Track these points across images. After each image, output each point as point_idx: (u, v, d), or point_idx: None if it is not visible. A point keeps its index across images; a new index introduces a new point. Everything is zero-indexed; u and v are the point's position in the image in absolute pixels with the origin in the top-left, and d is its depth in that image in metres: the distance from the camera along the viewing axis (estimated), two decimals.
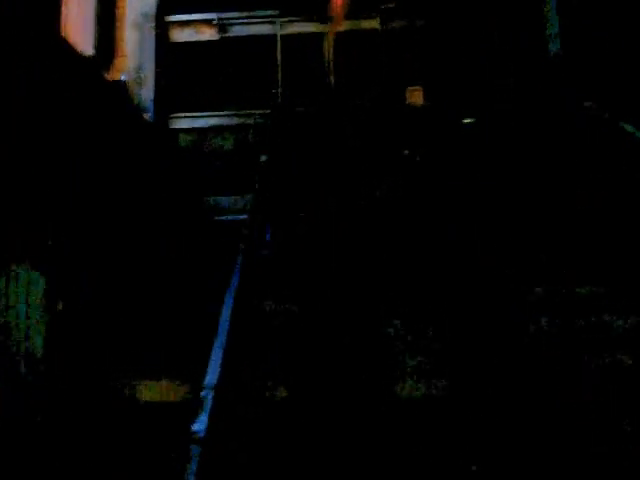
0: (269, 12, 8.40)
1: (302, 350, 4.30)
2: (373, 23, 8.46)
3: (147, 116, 7.49)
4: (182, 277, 6.42)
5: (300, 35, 8.39)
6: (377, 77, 8.39)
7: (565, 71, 6.76)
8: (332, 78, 8.32)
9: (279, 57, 8.33)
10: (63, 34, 8.56)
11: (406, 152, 7.42)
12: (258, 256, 6.20)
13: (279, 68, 8.30)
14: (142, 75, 7.81)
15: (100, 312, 5.01)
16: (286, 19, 8.43)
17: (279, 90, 8.17)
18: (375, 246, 5.94)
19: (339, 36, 8.46)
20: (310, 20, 8.41)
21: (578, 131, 5.44)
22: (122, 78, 7.70)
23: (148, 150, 6.55)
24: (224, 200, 7.53)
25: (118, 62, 8.34)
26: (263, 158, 6.46)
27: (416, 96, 8.36)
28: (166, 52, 8.24)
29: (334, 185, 7.02)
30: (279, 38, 8.38)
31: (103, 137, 5.31)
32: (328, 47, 8.41)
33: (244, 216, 6.87)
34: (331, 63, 8.38)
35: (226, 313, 4.00)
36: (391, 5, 8.45)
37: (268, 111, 7.98)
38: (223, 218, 7.43)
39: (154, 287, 6.13)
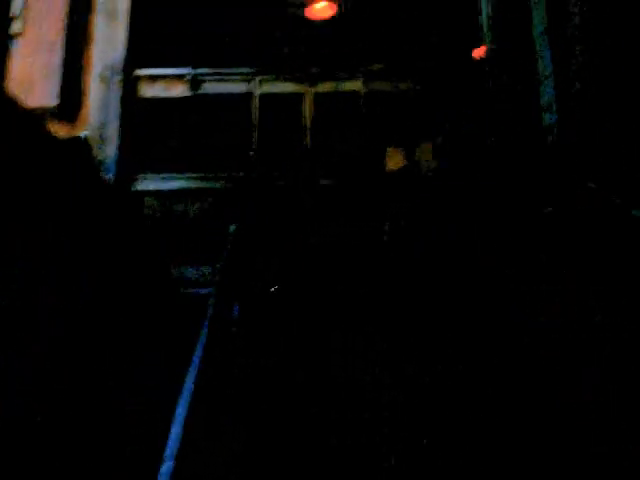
0: (246, 70, 7.94)
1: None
2: (356, 84, 8.07)
3: (108, 177, 6.86)
4: (140, 361, 5.71)
5: (277, 95, 7.92)
6: (357, 139, 7.98)
7: (562, 146, 6.35)
8: (309, 140, 7.84)
9: (255, 117, 7.83)
10: (25, 84, 8.01)
11: (387, 226, 6.91)
12: (224, 335, 5.62)
13: (255, 128, 7.79)
14: (106, 131, 7.22)
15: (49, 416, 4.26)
16: (264, 77, 7.98)
17: (254, 152, 7.63)
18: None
19: (319, 97, 8.04)
20: (289, 80, 7.97)
21: (584, 218, 4.98)
22: (83, 134, 7.10)
23: (105, 214, 5.89)
24: (190, 271, 6.86)
25: (83, 116, 7.79)
26: (232, 228, 5.88)
27: (397, 158, 7.94)
28: (133, 107, 7.68)
29: (302, 262, 6.50)
30: (256, 97, 7.91)
31: (47, 201, 4.66)
32: (308, 108, 7.95)
33: (211, 289, 6.21)
34: (309, 124, 7.92)
35: (177, 429, 3.28)
36: (377, 66, 8.09)
37: (241, 174, 7.42)
38: (190, 291, 6.74)
39: (105, 372, 5.41)
